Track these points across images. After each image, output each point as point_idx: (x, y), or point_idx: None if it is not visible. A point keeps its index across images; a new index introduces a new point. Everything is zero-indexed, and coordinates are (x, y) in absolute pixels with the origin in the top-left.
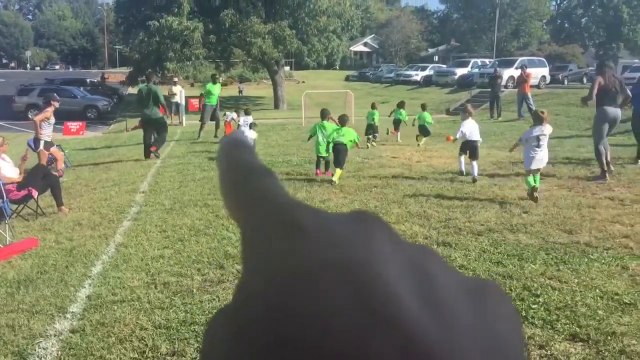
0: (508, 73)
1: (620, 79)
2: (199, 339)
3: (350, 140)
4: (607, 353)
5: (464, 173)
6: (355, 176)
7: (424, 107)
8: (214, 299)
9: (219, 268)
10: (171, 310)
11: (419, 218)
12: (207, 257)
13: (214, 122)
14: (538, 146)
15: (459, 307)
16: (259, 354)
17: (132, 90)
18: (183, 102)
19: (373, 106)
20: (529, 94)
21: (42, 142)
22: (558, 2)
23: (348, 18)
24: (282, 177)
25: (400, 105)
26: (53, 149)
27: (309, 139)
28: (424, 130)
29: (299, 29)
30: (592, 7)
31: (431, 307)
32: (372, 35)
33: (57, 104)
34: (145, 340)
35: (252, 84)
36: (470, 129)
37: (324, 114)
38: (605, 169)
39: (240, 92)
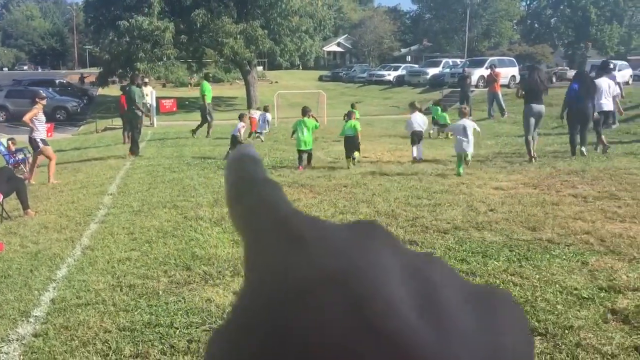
0: (478, 73)
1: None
2: (163, 340)
3: (357, 129)
4: (564, 346)
5: (417, 159)
6: (326, 176)
7: (436, 103)
8: (179, 301)
9: (185, 269)
10: (136, 313)
11: (387, 217)
12: (174, 259)
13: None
14: (465, 135)
15: (460, 316)
16: None
17: (103, 91)
18: (154, 103)
19: (352, 106)
20: (499, 93)
21: (39, 141)
22: (528, 2)
23: (320, 18)
24: None
25: (437, 102)
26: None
27: (292, 135)
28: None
29: (271, 29)
30: (561, 7)
31: (430, 316)
32: (345, 36)
33: (43, 102)
34: (109, 343)
35: (225, 85)
36: (416, 120)
37: (305, 111)
38: (533, 155)
39: None
